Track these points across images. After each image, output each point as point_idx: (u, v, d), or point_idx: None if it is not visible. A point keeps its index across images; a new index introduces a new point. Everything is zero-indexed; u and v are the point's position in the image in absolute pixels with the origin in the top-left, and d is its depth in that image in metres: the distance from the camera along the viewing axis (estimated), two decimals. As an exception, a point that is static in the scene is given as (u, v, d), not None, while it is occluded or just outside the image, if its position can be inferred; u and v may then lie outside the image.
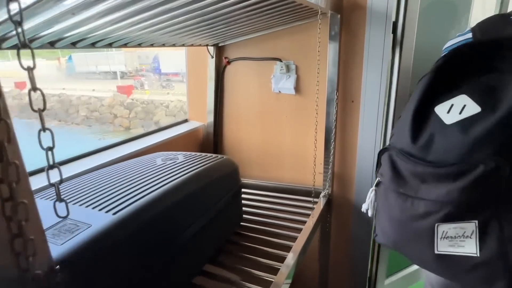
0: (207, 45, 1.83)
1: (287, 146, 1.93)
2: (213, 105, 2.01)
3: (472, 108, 0.64)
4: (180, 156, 1.32)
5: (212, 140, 2.09)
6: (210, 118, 2.06)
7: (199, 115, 2.11)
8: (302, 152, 1.89)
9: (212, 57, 1.91)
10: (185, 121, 2.20)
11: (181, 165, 1.17)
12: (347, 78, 1.67)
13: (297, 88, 1.81)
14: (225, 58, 1.92)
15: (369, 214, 0.98)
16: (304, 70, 1.77)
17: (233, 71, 1.96)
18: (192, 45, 1.74)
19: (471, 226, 0.67)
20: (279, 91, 1.85)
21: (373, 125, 1.66)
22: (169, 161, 1.25)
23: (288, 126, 1.90)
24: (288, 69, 1.79)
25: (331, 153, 1.70)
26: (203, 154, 1.36)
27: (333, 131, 1.67)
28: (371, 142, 1.68)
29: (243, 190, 1.61)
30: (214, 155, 1.34)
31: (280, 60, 1.79)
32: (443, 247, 0.71)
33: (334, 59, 1.59)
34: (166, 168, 1.14)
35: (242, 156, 2.09)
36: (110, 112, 13.38)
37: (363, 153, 1.72)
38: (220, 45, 1.89)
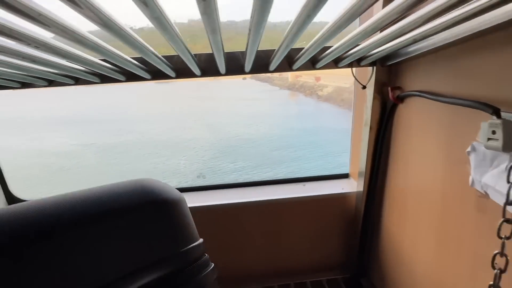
0: (354, 65, 1.00)
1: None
2: (364, 166, 1.14)
3: None
4: None
5: (361, 223, 1.23)
6: (361, 184, 1.20)
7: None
8: None
9: (364, 86, 1.04)
10: (345, 176, 1.45)
11: None
12: None
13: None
14: (394, 89, 0.97)
15: None
16: None
17: (406, 115, 0.96)
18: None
19: None
20: (485, 192, 0.67)
21: None
22: None
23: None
24: (517, 140, 0.58)
25: None
26: None
27: None
28: None
29: None
30: None
31: (497, 113, 0.61)
32: None
33: None
34: None
35: (403, 281, 1.07)
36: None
37: None
38: (388, 63, 0.97)
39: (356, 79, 1.03)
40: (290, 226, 1.36)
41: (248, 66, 0.86)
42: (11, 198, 1.33)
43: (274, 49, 0.78)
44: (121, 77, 0.85)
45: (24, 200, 1.35)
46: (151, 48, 0.61)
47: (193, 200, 1.32)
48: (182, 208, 0.75)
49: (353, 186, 1.34)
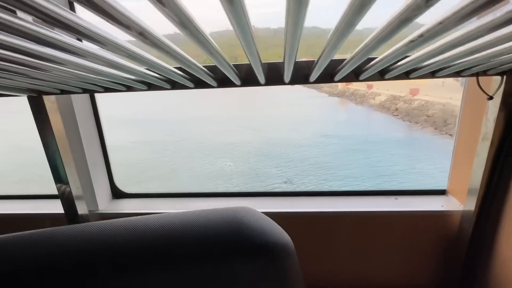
0: (481, 74, 0.91)
1: None
2: (479, 184, 1.04)
3: None
4: None
5: (467, 246, 1.12)
6: (471, 203, 1.09)
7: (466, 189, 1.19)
8: None
9: (491, 97, 0.94)
10: (442, 192, 1.34)
11: None
12: None
13: None
14: (529, 101, 0.87)
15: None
16: None
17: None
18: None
19: None
20: None
21: None
22: None
23: None
24: None
25: None
26: None
27: None
28: None
29: None
30: None
31: None
32: None
33: None
34: None
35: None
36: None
37: None
38: (524, 72, 0.88)
39: (482, 89, 0.94)
40: (378, 241, 1.29)
41: (340, 76, 0.81)
42: (116, 192, 1.44)
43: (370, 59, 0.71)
44: (214, 83, 0.86)
45: (128, 194, 1.45)
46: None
47: (279, 205, 1.32)
48: (290, 260, 0.53)
49: (454, 204, 1.24)
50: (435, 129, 12.53)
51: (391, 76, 0.84)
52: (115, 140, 12.60)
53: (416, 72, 0.83)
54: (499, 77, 0.91)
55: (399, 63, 0.72)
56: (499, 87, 0.91)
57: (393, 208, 1.25)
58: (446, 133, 11.97)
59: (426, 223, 1.24)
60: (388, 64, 0.68)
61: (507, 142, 0.95)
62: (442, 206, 1.23)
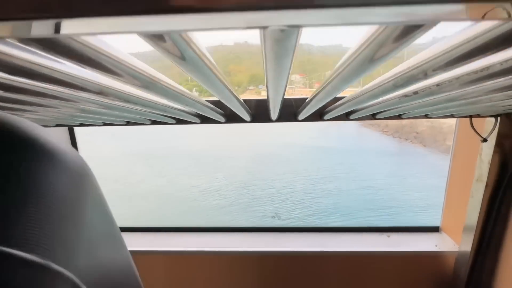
0: (475, 116, 0.89)
1: None
2: (474, 225, 1.00)
3: None
4: None
5: (463, 289, 1.07)
6: (467, 244, 1.05)
7: (460, 227, 1.14)
8: None
9: (485, 139, 0.91)
10: (435, 229, 1.29)
11: None
12: None
13: None
14: (524, 145, 0.84)
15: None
16: None
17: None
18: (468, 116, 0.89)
19: None
20: None
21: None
22: None
23: None
24: None
25: None
26: None
27: None
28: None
29: None
30: None
31: None
32: None
33: None
34: None
35: None
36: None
37: None
38: (517, 115, 0.85)
39: (475, 131, 0.91)
40: (368, 283, 1.22)
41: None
42: None
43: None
44: (221, 118, 0.82)
45: None
46: None
47: (261, 244, 1.24)
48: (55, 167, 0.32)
49: (448, 243, 1.19)
50: (424, 146, 12.73)
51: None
52: (109, 152, 12.36)
53: (406, 114, 0.80)
54: (493, 119, 0.89)
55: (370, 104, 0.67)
56: (493, 129, 0.88)
57: (385, 248, 1.19)
58: (436, 149, 12.17)
59: (419, 264, 1.18)
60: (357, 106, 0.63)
61: (503, 184, 0.92)
62: (436, 245, 1.18)
